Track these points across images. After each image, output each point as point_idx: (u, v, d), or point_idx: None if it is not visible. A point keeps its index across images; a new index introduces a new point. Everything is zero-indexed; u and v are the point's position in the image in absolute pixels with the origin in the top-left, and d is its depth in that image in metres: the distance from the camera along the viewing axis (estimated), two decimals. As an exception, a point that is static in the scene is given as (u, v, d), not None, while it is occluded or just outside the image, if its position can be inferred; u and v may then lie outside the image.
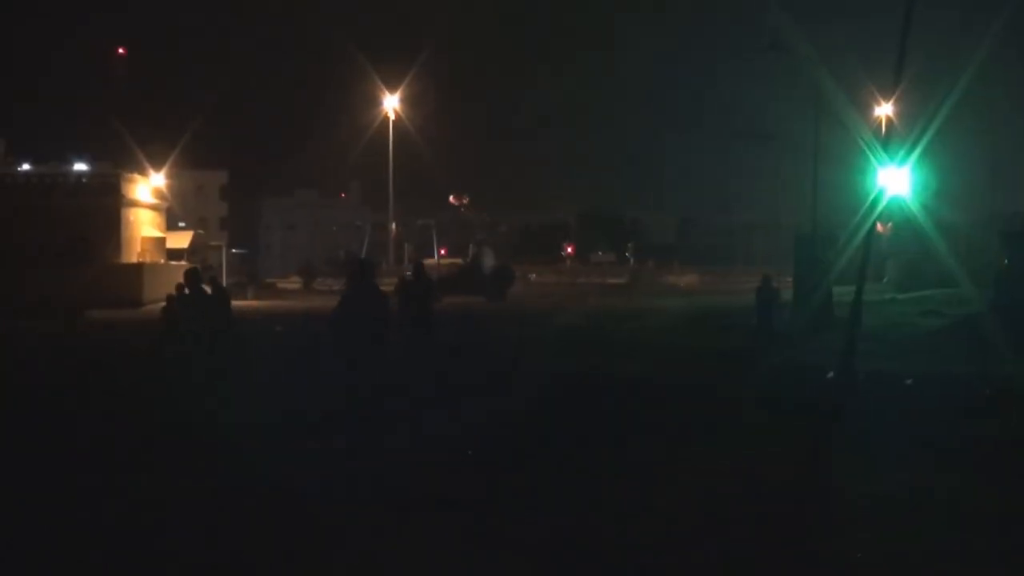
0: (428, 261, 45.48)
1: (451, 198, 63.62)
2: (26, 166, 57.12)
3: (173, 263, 53.88)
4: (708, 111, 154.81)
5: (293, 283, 66.66)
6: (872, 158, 22.06)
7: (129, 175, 52.92)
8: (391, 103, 63.41)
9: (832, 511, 7.97)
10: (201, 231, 65.18)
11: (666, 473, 9.21)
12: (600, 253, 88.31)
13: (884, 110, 53.24)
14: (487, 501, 8.14)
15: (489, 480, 8.85)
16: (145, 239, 53.52)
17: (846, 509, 7.95)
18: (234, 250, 66.66)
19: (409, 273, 18.20)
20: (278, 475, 8.95)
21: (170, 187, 59.07)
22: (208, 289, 16.54)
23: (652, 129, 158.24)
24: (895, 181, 21.20)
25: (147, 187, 55.33)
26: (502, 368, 16.85)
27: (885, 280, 47.85)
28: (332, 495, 8.23)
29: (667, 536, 7.23)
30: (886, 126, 49.70)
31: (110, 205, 50.51)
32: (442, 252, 75.60)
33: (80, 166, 55.79)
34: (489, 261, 48.87)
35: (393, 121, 63.00)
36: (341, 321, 10.47)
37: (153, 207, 55.59)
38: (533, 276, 73.48)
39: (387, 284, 52.60)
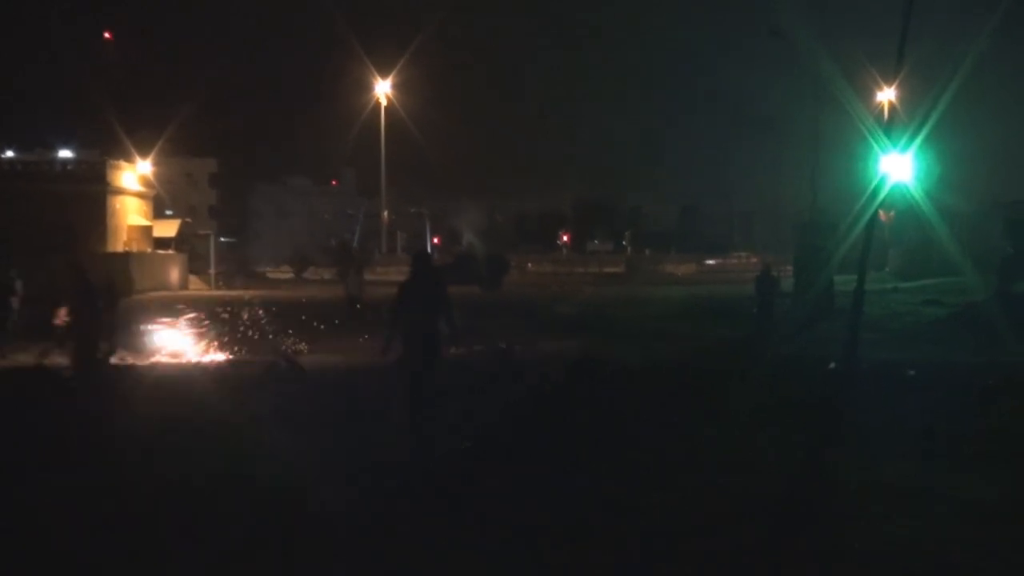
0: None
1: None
2: (10, 153, 56.99)
3: (160, 252, 53.79)
4: (709, 97, 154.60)
5: (284, 272, 66.97)
6: (874, 144, 22.05)
7: (115, 162, 52.80)
8: (383, 89, 63.25)
9: (834, 501, 8.08)
10: (189, 219, 65.09)
11: (664, 463, 9.28)
12: (596, 242, 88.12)
13: (886, 95, 53.23)
14: (488, 494, 8.29)
15: (489, 473, 9.00)
16: (131, 228, 53.43)
17: (848, 499, 8.05)
18: (223, 239, 66.58)
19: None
20: (278, 467, 9.06)
21: (157, 174, 58.93)
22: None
23: (652, 115, 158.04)
24: (897, 168, 21.19)
25: (134, 175, 55.20)
26: (499, 362, 16.87)
27: (887, 269, 47.97)
28: (333, 488, 8.38)
29: (668, 527, 7.33)
30: (888, 111, 49.71)
31: (96, 193, 50.43)
32: (435, 241, 75.63)
33: (65, 153, 55.67)
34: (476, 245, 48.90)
35: (386, 107, 62.85)
36: (400, 317, 10.42)
37: (140, 195, 55.47)
38: (529, 265, 73.65)
39: (381, 274, 52.19)
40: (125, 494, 8.17)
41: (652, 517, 7.55)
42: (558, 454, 9.59)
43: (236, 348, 19.87)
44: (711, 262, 74.23)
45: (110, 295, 17.34)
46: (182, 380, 15.13)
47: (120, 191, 52.79)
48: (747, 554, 6.74)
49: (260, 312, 26.48)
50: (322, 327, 22.95)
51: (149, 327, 21.36)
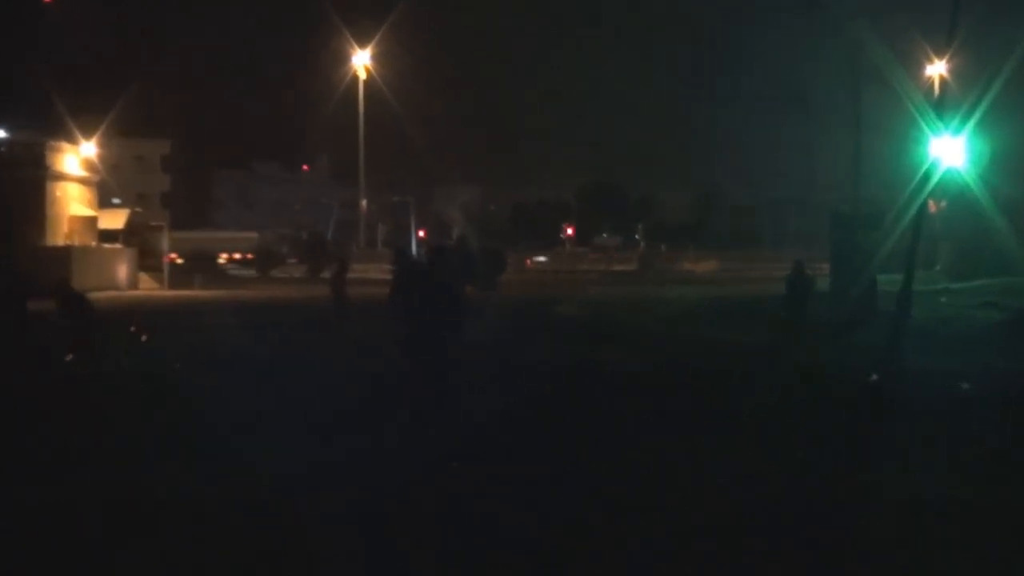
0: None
1: None
2: (-68, 133, 56.89)
3: (107, 246, 53.78)
4: (733, 73, 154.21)
5: (248, 270, 66.81)
6: (923, 125, 22.08)
7: (56, 144, 52.71)
8: (361, 60, 63.11)
9: (858, 516, 8.59)
10: (139, 209, 65.23)
11: (673, 476, 9.88)
12: (604, 236, 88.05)
13: (937, 69, 53.24)
14: (486, 494, 9.08)
15: (489, 473, 9.82)
16: (73, 218, 53.51)
17: (873, 514, 8.61)
18: (178, 232, 66.59)
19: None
20: (275, 468, 9.93)
21: (103, 158, 59.02)
22: None
23: (667, 95, 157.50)
24: (949, 151, 21.20)
25: (76, 158, 55.20)
26: (498, 363, 17.31)
27: (937, 268, 48.03)
28: (332, 488, 9.24)
29: (668, 528, 8.05)
30: (939, 87, 49.73)
31: (33, 178, 50.41)
32: (420, 234, 75.76)
33: (-2, 133, 55.54)
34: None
35: (366, 82, 62.85)
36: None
37: (83, 181, 55.54)
38: (528, 262, 74.36)
39: (360, 271, 52.77)
40: (118, 499, 8.95)
41: (652, 517, 8.42)
42: (558, 454, 10.50)
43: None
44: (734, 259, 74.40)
45: (69, 298, 17.52)
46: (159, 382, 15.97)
47: (61, 176, 52.91)
48: (747, 554, 7.53)
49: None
50: (312, 332, 23.58)
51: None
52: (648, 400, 13.91)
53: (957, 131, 20.09)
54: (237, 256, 64.79)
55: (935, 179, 19.59)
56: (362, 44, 63.02)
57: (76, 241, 51.79)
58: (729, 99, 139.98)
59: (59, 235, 51.60)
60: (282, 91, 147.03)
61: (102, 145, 58.62)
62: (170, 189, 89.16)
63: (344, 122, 68.21)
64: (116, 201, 63.90)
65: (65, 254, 47.20)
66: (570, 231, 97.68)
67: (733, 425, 12.01)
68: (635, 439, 11.29)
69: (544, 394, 14.33)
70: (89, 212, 55.49)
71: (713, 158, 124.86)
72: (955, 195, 45.23)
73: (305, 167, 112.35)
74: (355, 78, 63.10)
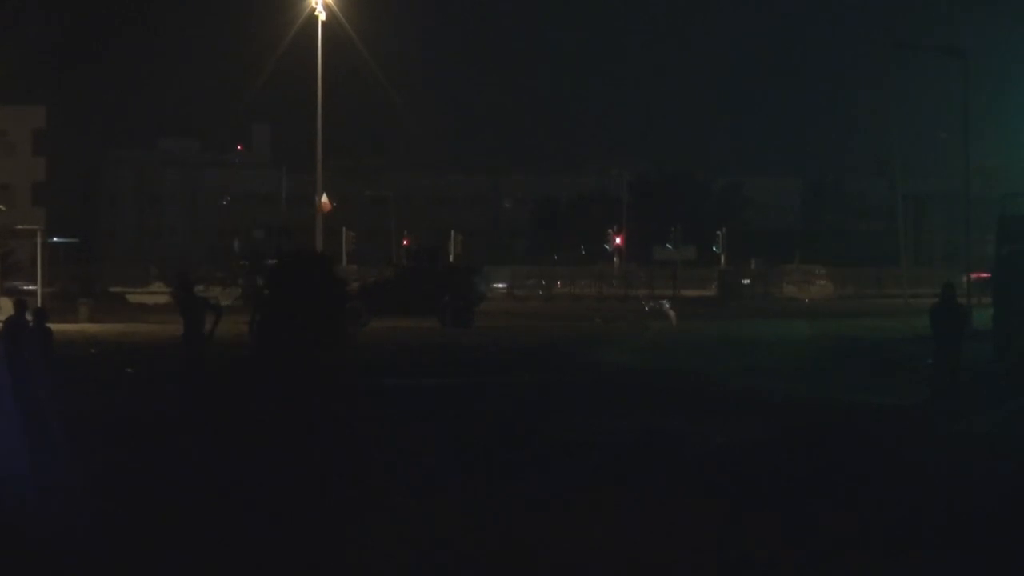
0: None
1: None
2: None
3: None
4: (847, 18, 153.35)
5: (156, 293, 66.76)
6: None
7: None
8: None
9: None
10: (0, 206, 64.86)
11: None
12: (670, 246, 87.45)
13: None
14: None
15: None
16: None
17: None
18: (56, 239, 66.57)
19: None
20: None
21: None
22: None
23: (759, 49, 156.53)
24: None
25: None
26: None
27: None
28: None
29: None
30: None
31: None
32: (404, 243, 75.88)
33: None
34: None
35: (327, 23, 62.68)
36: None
37: None
38: (559, 284, 77.45)
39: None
40: None
41: None
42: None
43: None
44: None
45: None
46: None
47: None
48: None
49: None
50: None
51: None
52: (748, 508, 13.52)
53: None
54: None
55: None
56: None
57: None
58: (846, 52, 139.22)
59: None
60: (204, 39, 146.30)
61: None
62: (46, 177, 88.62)
63: (295, 82, 68.14)
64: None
65: None
66: (619, 240, 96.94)
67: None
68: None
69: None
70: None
71: (826, 138, 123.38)
72: None
73: (239, 147, 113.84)
74: (312, 19, 62.77)
